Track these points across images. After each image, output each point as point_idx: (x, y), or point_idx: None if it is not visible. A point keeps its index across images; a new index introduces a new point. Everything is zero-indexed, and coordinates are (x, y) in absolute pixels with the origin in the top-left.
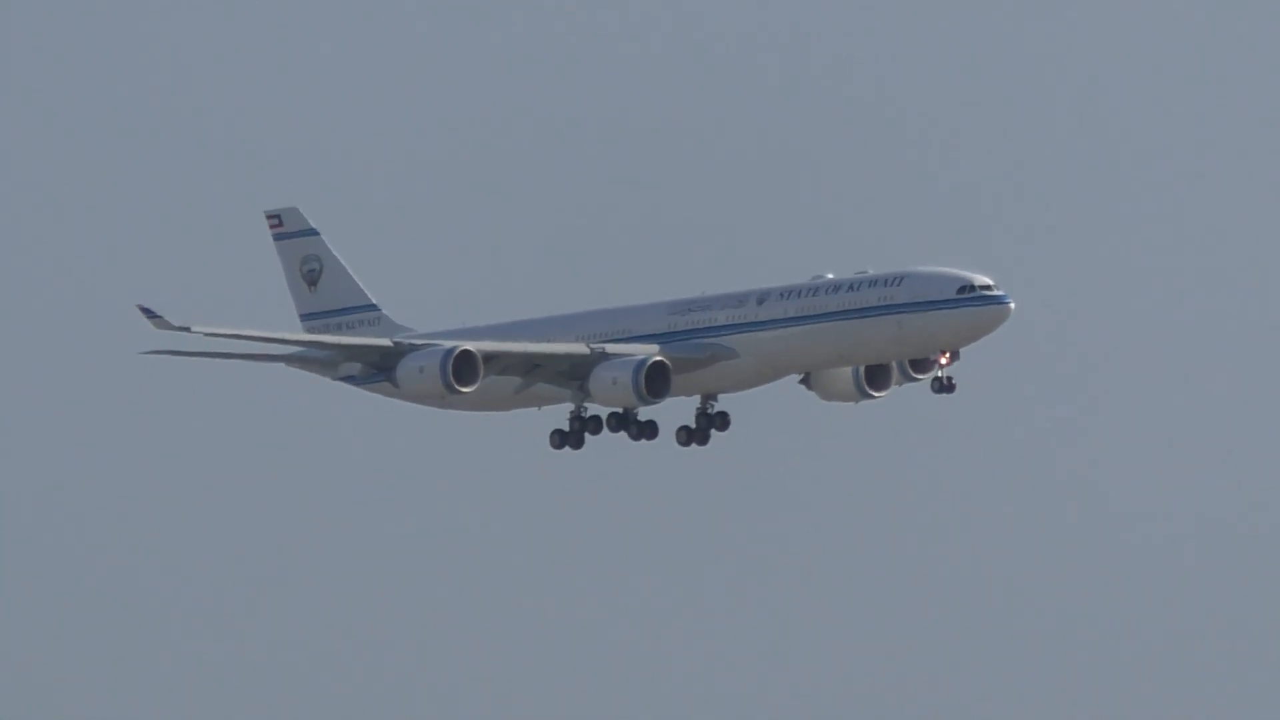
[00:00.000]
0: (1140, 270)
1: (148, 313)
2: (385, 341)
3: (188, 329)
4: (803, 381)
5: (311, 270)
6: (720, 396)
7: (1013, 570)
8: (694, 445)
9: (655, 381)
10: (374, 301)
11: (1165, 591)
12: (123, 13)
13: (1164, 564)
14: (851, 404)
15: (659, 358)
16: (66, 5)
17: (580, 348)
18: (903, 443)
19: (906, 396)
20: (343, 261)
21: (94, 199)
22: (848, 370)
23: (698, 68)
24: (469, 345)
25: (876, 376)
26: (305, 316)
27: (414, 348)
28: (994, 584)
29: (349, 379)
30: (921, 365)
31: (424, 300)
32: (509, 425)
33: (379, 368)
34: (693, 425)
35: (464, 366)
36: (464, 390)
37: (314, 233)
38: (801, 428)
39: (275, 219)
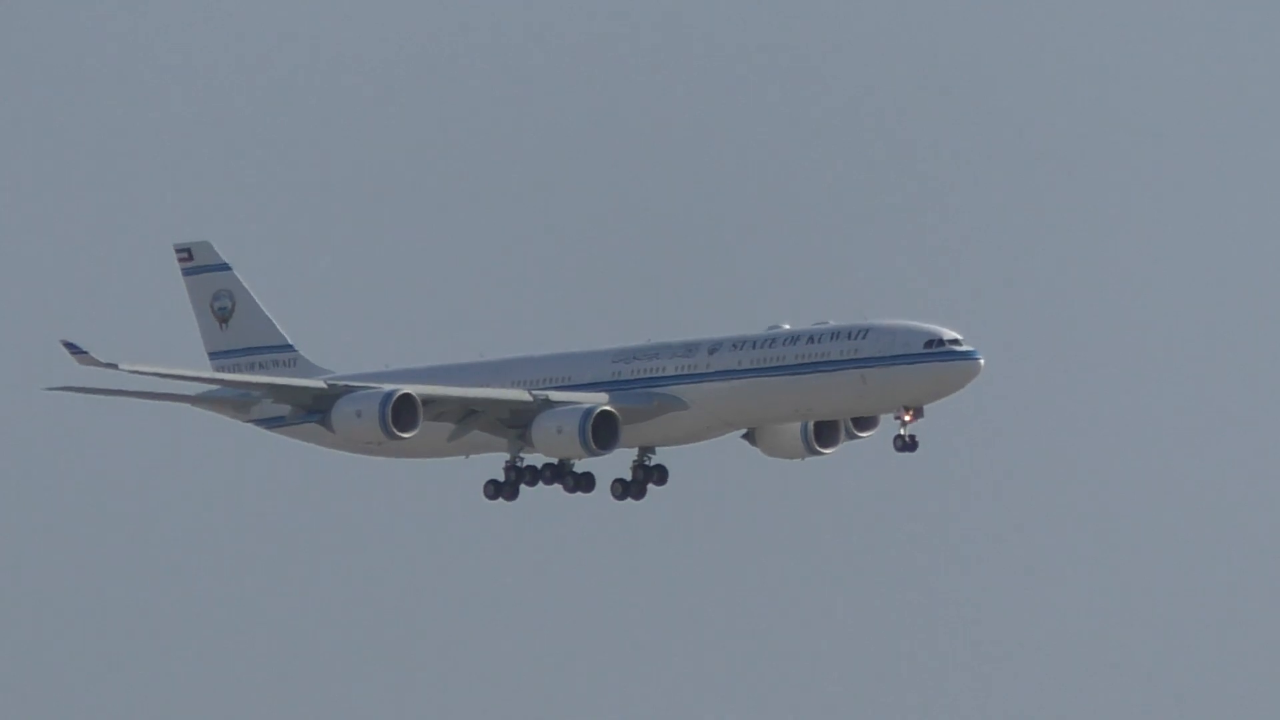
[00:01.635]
0: (1111, 325)
1: (72, 348)
2: (319, 383)
3: (115, 366)
4: (746, 436)
5: (223, 307)
6: (659, 450)
7: (956, 632)
8: (629, 499)
9: (603, 432)
10: (289, 341)
11: (1119, 645)
12: (31, 37)
13: (1121, 619)
14: (798, 461)
15: (607, 407)
16: None
17: (523, 394)
18: (847, 501)
19: (851, 454)
20: (256, 299)
21: None
22: (795, 426)
23: (641, 105)
24: (409, 389)
25: (825, 433)
26: (215, 355)
27: (349, 390)
28: (934, 648)
29: (260, 421)
30: (866, 423)
31: (343, 342)
32: (438, 474)
33: (310, 410)
34: (629, 478)
35: (404, 411)
36: (403, 436)
37: (226, 268)
38: (742, 484)
39: (185, 252)
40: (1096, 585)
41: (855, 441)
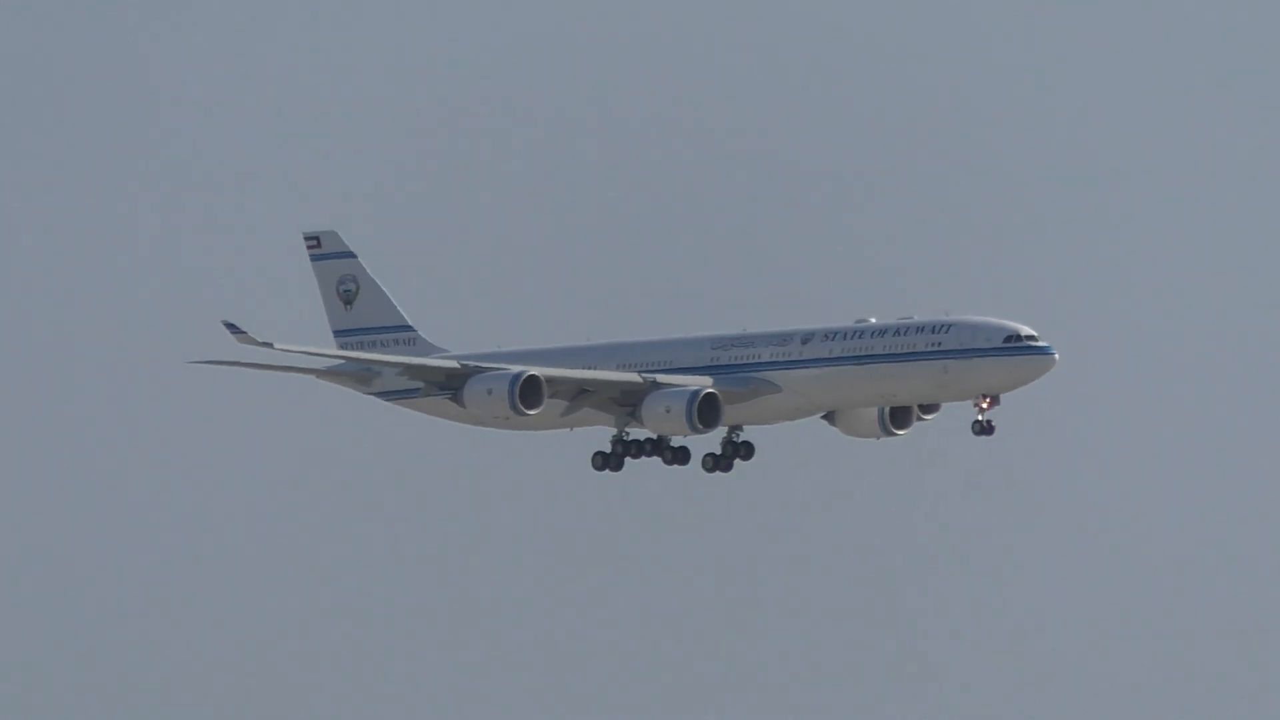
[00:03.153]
0: (1179, 321)
1: (231, 328)
2: (453, 363)
3: (270, 345)
4: (825, 417)
5: (347, 290)
6: (746, 428)
7: (1029, 601)
8: (718, 472)
9: (707, 412)
10: (409, 322)
11: (1184, 630)
12: (168, 45)
13: (1184, 603)
14: (874, 440)
15: (711, 390)
16: (109, 34)
17: (633, 376)
18: (920, 477)
19: (923, 434)
20: (379, 283)
21: (141, 217)
22: (874, 409)
23: (746, 102)
24: (534, 370)
25: (899, 416)
26: (339, 333)
27: (480, 370)
28: (1007, 614)
29: (381, 394)
30: (931, 407)
31: (457, 323)
32: (548, 446)
33: (443, 387)
34: (719, 453)
35: (529, 390)
36: (529, 413)
37: (351, 255)
38: (821, 460)
39: (314, 241)
40: (1164, 568)
41: (920, 423)
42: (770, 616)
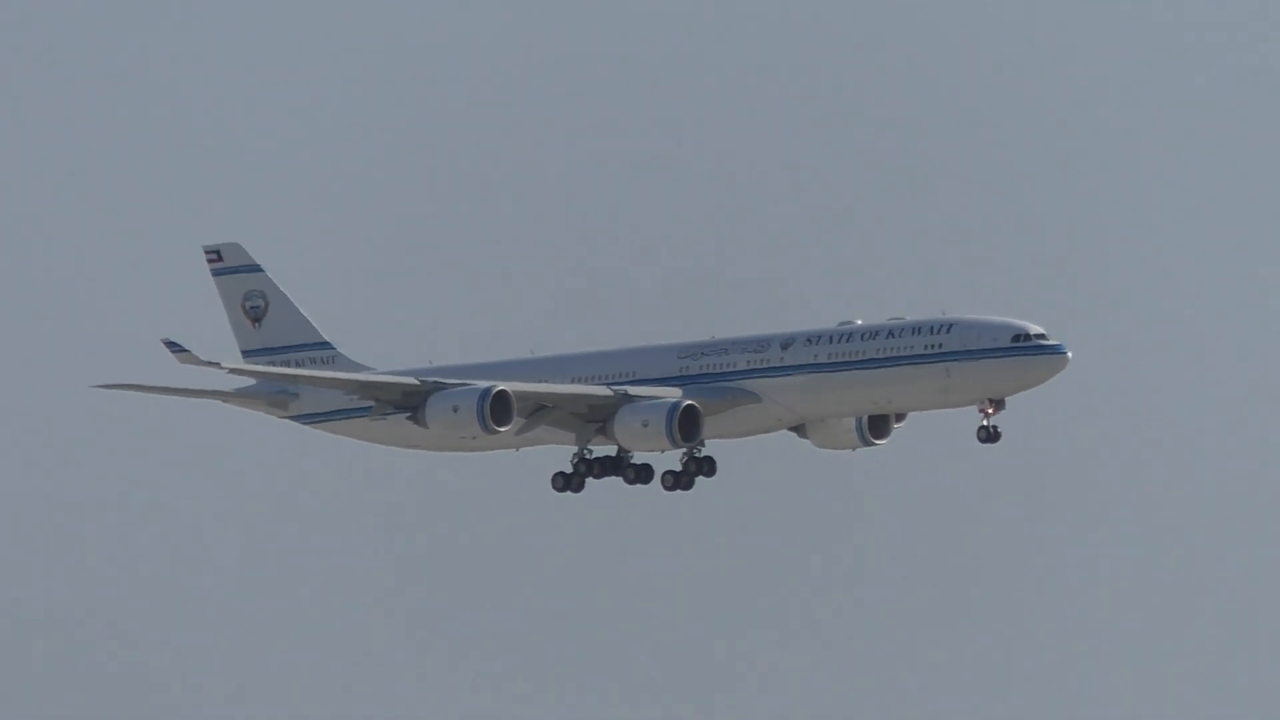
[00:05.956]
0: (1194, 316)
1: (173, 347)
2: (412, 380)
3: (218, 364)
4: (795, 429)
5: (255, 307)
6: (711, 442)
7: (1031, 630)
8: (679, 490)
9: (687, 425)
10: (326, 339)
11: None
12: (67, 44)
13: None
14: (849, 452)
15: (691, 402)
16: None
17: (603, 390)
18: (906, 492)
19: (908, 443)
20: (290, 298)
21: (26, 232)
22: (851, 418)
23: (702, 100)
24: (503, 385)
25: (877, 424)
26: (248, 353)
27: (440, 386)
28: (976, 638)
29: (299, 418)
30: (903, 415)
31: (379, 338)
32: (495, 468)
33: (399, 406)
34: (679, 469)
35: (499, 407)
36: (500, 430)
37: (257, 268)
38: (789, 474)
39: (214, 254)
40: (1185, 586)
41: (898, 431)
42: (746, 642)
